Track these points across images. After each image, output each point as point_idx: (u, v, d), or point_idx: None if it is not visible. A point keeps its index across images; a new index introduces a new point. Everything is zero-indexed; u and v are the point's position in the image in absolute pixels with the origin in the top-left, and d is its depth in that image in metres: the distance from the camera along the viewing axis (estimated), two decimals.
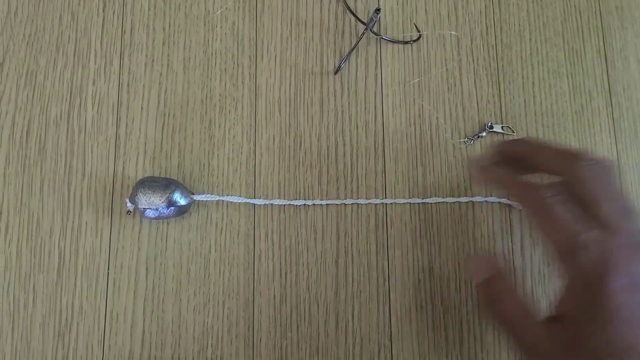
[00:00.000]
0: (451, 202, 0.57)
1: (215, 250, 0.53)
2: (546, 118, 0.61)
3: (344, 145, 0.57)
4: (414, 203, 0.57)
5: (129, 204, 0.49)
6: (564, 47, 0.63)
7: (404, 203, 0.56)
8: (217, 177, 0.54)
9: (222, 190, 0.54)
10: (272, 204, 0.53)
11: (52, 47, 0.54)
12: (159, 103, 0.55)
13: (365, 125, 0.58)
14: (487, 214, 0.58)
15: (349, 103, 0.58)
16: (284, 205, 0.54)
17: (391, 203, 0.55)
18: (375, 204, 0.56)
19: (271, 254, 0.54)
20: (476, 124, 0.60)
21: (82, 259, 0.51)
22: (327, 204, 0.55)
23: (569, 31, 0.64)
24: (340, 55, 0.59)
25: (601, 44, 0.64)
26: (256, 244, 0.53)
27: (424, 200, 0.56)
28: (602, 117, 0.62)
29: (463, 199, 0.57)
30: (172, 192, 0.50)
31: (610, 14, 0.65)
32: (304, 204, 0.54)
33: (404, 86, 0.59)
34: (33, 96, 0.53)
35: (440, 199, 0.56)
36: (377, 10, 0.55)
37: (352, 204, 0.55)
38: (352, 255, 0.55)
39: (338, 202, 0.54)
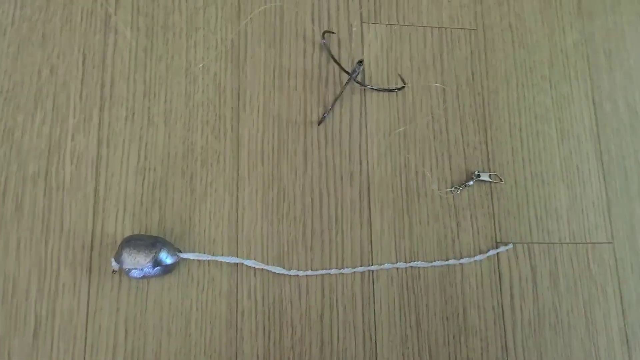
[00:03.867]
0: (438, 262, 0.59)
1: (197, 309, 0.54)
2: (534, 164, 0.64)
3: (329, 196, 0.59)
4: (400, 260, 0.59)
5: (114, 264, 0.51)
6: (551, 92, 0.66)
7: (389, 268, 0.58)
8: (199, 233, 0.56)
9: (204, 246, 0.56)
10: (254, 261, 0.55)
11: (30, 102, 0.56)
12: (139, 157, 0.57)
13: (350, 176, 0.60)
14: (476, 267, 0.60)
15: (333, 154, 0.60)
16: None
17: (377, 269, 0.57)
18: (361, 256, 0.58)
19: (254, 311, 0.55)
20: (463, 172, 0.62)
21: (59, 321, 0.52)
22: (310, 260, 0.57)
23: (557, 75, 0.67)
24: (324, 104, 0.61)
25: (589, 87, 0.67)
26: (239, 301, 0.55)
27: (411, 264, 0.58)
28: (592, 162, 0.65)
29: (451, 262, 0.59)
30: (159, 251, 0.51)
31: (598, 56, 0.68)
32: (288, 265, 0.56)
33: (389, 135, 0.62)
34: (10, 154, 0.55)
35: (427, 264, 0.58)
36: (360, 61, 0.57)
37: (336, 258, 0.57)
38: (338, 311, 0.57)
39: (322, 272, 0.56)
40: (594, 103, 0.67)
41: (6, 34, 0.58)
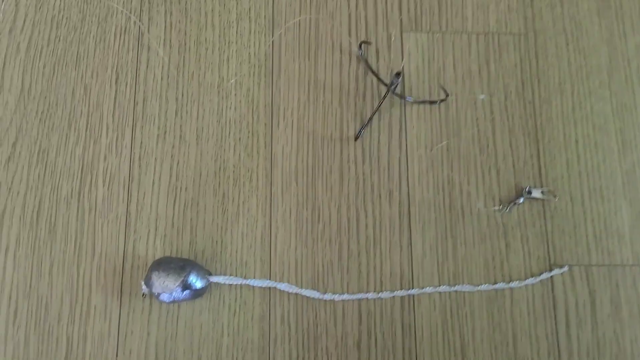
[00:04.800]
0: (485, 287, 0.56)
1: (228, 334, 0.53)
2: (592, 180, 0.59)
3: (366, 216, 0.57)
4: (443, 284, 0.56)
5: (143, 287, 0.51)
6: (611, 100, 0.62)
7: (431, 292, 0.55)
8: (231, 255, 0.55)
9: (236, 268, 0.55)
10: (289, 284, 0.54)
11: (64, 122, 0.57)
12: (170, 177, 0.56)
13: (389, 195, 0.58)
14: (528, 291, 0.56)
15: (371, 171, 0.58)
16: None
17: (418, 293, 0.55)
18: (401, 279, 0.55)
19: (287, 337, 0.53)
20: (512, 188, 0.58)
21: (90, 346, 0.52)
22: (346, 283, 0.55)
23: (617, 82, 0.62)
24: (361, 119, 0.59)
25: None
26: (272, 327, 0.53)
27: (455, 288, 0.55)
28: None
29: (500, 286, 0.55)
30: (188, 274, 0.51)
31: None
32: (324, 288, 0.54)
33: (431, 150, 0.59)
34: (44, 175, 0.56)
35: (473, 288, 0.55)
36: (398, 73, 0.55)
37: (374, 284, 0.55)
38: (376, 338, 0.54)
39: (359, 296, 0.54)
40: None
41: (42, 54, 0.59)
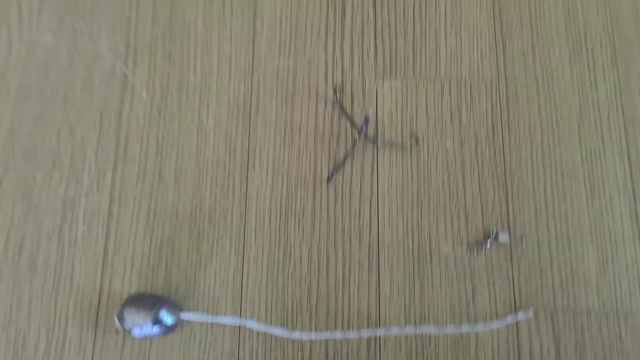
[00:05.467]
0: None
1: None
2: (560, 225, 0.61)
3: (336, 257, 0.59)
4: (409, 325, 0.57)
5: (117, 323, 0.53)
6: (580, 147, 0.64)
7: (398, 334, 0.57)
8: (204, 292, 0.57)
9: (208, 305, 0.57)
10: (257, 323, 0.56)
11: (49, 161, 0.60)
12: (148, 215, 0.59)
13: (359, 236, 0.60)
14: (493, 334, 0.57)
15: (342, 213, 0.60)
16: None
17: (384, 334, 0.57)
18: (368, 319, 0.57)
19: None
20: (480, 232, 0.61)
21: None
22: (315, 322, 0.57)
23: (587, 129, 0.64)
24: (335, 161, 0.62)
25: (623, 141, 0.64)
26: None
27: (420, 330, 0.57)
28: (626, 223, 0.62)
29: (465, 329, 0.57)
30: (158, 310, 0.53)
31: (634, 108, 0.65)
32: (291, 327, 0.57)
33: (402, 194, 0.61)
34: (28, 212, 0.59)
35: (438, 329, 0.57)
36: (366, 120, 0.58)
37: (341, 321, 0.57)
38: None
39: (326, 336, 0.56)
40: (629, 158, 0.64)
41: (31, 96, 0.62)
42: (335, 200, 0.61)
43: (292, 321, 0.57)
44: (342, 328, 0.57)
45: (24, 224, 0.58)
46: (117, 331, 0.55)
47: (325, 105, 0.64)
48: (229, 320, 0.55)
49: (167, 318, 0.54)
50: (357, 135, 0.61)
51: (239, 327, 0.57)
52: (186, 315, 0.55)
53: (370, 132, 0.62)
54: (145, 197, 0.60)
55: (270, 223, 0.60)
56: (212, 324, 0.57)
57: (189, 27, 0.66)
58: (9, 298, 0.56)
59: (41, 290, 0.57)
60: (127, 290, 0.57)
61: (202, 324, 0.57)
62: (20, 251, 0.58)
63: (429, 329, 0.57)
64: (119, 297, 0.57)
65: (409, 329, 0.57)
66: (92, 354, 0.55)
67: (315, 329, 0.57)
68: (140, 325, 0.53)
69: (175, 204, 0.60)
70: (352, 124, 0.62)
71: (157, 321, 0.53)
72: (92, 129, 0.62)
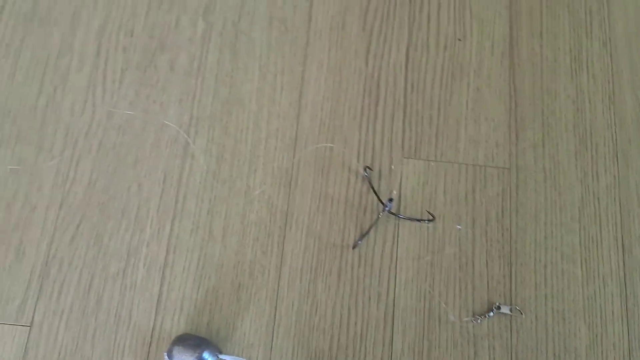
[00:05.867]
0: None
1: None
2: (557, 302, 0.69)
3: (356, 314, 0.68)
4: None
5: (166, 358, 0.63)
6: (579, 233, 0.72)
7: None
8: (240, 337, 0.67)
9: (243, 349, 0.67)
10: None
11: (118, 213, 0.71)
12: (198, 266, 0.70)
13: (378, 298, 0.69)
14: None
15: (364, 276, 0.70)
16: None
17: None
18: None
19: None
20: (485, 303, 0.69)
21: None
22: None
23: (587, 217, 0.73)
24: (361, 229, 0.72)
25: (619, 231, 0.72)
26: None
27: None
28: (616, 305, 0.69)
29: None
30: (202, 351, 0.63)
31: (631, 200, 0.73)
32: None
33: (418, 262, 0.70)
34: (98, 255, 0.70)
35: None
36: (391, 199, 0.67)
37: None
38: None
39: None
40: (622, 246, 0.72)
41: (108, 155, 0.74)
42: (359, 265, 0.71)
43: None
44: None
45: (94, 265, 0.69)
46: None
47: (356, 180, 0.74)
48: None
49: (209, 358, 0.64)
50: (381, 209, 0.71)
51: None
52: (226, 357, 0.65)
53: (394, 207, 0.72)
54: (196, 250, 0.71)
55: (301, 280, 0.70)
56: None
57: (244, 103, 0.77)
58: (77, 328, 0.67)
59: (104, 324, 0.67)
60: (175, 330, 0.67)
61: None
62: (90, 288, 0.68)
63: None
64: (168, 335, 0.67)
65: None
66: None
67: None
68: None
69: (221, 258, 0.70)
70: (378, 199, 0.72)
71: None
72: (156, 187, 0.73)
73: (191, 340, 0.64)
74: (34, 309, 0.68)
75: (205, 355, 0.63)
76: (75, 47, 0.78)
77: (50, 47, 0.78)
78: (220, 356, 0.65)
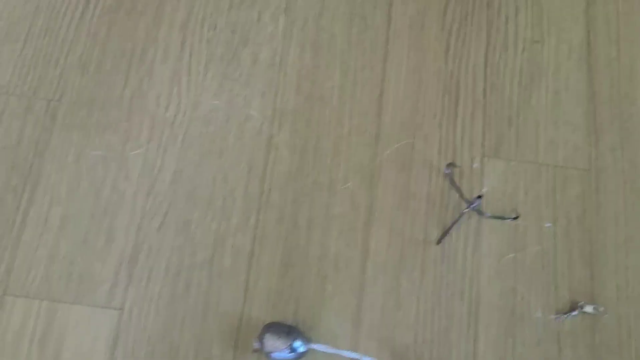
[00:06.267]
0: None
1: None
2: (638, 304, 0.70)
3: (440, 310, 0.69)
4: None
5: (256, 344, 0.64)
6: None
7: None
8: (325, 328, 0.68)
9: (328, 340, 0.67)
10: None
11: (204, 202, 0.72)
12: (283, 256, 0.71)
13: (461, 294, 0.70)
14: None
15: (447, 271, 0.71)
16: None
17: None
18: None
19: None
20: (567, 302, 0.70)
21: None
22: None
23: None
24: (443, 226, 0.72)
25: None
26: None
27: None
28: None
29: None
30: (294, 339, 0.64)
31: None
32: None
33: (500, 260, 0.71)
34: (185, 243, 0.71)
35: None
36: (479, 196, 0.68)
37: None
38: None
39: None
40: None
41: (193, 146, 0.75)
42: (442, 261, 0.71)
43: None
44: None
45: (181, 252, 0.70)
46: (254, 351, 0.65)
47: (437, 177, 0.75)
48: (351, 354, 0.65)
49: (300, 347, 0.64)
50: (465, 206, 0.72)
51: None
52: (316, 346, 0.65)
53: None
54: (281, 240, 0.72)
55: (385, 275, 0.71)
56: (332, 356, 0.67)
57: (326, 98, 0.78)
58: (166, 314, 0.68)
59: (193, 311, 0.68)
60: (262, 319, 0.68)
61: (323, 354, 0.67)
62: (178, 275, 0.69)
63: None
64: (255, 323, 0.68)
65: None
66: None
67: None
68: (279, 350, 0.63)
69: (306, 249, 0.71)
70: (461, 196, 0.73)
71: (292, 348, 0.64)
72: (241, 178, 0.74)
73: (283, 328, 0.65)
74: (125, 294, 0.68)
75: (297, 343, 0.64)
76: (160, 39, 0.80)
77: (136, 39, 0.80)
78: (312, 345, 0.65)
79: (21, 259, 0.69)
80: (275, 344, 0.64)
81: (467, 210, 0.70)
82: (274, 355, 0.64)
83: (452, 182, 0.74)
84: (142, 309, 0.68)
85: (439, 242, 0.72)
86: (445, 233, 0.72)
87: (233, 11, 0.82)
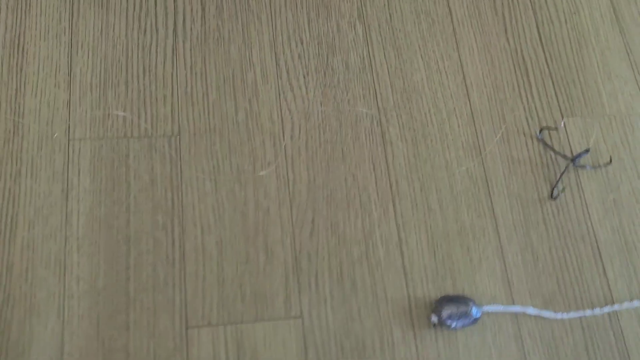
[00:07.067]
0: None
1: (493, 352, 0.73)
2: None
3: (570, 256, 0.79)
4: None
5: (434, 318, 0.70)
6: None
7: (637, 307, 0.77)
8: (482, 292, 0.76)
9: (488, 302, 0.75)
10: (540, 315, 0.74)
11: (344, 203, 0.78)
12: (427, 238, 0.77)
13: (582, 238, 0.80)
14: None
15: (565, 221, 0.81)
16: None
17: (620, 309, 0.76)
18: (604, 299, 0.77)
19: (538, 350, 0.73)
20: None
21: None
22: (567, 305, 0.76)
23: None
24: (550, 183, 0.82)
25: None
26: (524, 341, 0.73)
27: None
28: None
29: None
30: (472, 307, 0.71)
31: None
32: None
33: (603, 203, 0.82)
34: (338, 243, 0.75)
35: None
36: (587, 150, 0.79)
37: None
38: (597, 352, 0.75)
39: (578, 314, 0.76)
40: None
41: (317, 154, 0.80)
42: (558, 213, 0.81)
43: (554, 306, 0.76)
44: (590, 307, 0.77)
45: (338, 252, 0.75)
46: (434, 326, 0.72)
47: (532, 141, 0.85)
48: (518, 309, 0.73)
49: (476, 312, 0.71)
50: (566, 161, 0.82)
51: (516, 315, 0.75)
52: (489, 308, 0.73)
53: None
54: (421, 224, 0.78)
55: (517, 234, 0.79)
56: (496, 315, 0.74)
57: (419, 91, 0.85)
58: (342, 312, 0.72)
59: (365, 303, 0.73)
60: (427, 296, 0.75)
61: (488, 314, 0.74)
62: (342, 274, 0.74)
63: None
64: (422, 302, 0.74)
65: (636, 303, 0.77)
66: (416, 347, 0.72)
67: (570, 310, 0.76)
68: (459, 319, 0.70)
69: (445, 227, 0.78)
70: (557, 153, 0.83)
71: (470, 314, 0.71)
72: (368, 175, 0.80)
73: (456, 299, 0.72)
74: (299, 302, 0.72)
75: (474, 309, 0.71)
76: (255, 61, 0.84)
77: (232, 64, 0.83)
78: (485, 308, 0.73)
79: (192, 291, 0.71)
80: (453, 313, 0.70)
81: (571, 163, 0.81)
82: (455, 324, 0.70)
83: (545, 144, 0.84)
84: (319, 312, 0.72)
85: (555, 197, 0.81)
86: (558, 189, 0.81)
87: (313, 25, 0.87)
